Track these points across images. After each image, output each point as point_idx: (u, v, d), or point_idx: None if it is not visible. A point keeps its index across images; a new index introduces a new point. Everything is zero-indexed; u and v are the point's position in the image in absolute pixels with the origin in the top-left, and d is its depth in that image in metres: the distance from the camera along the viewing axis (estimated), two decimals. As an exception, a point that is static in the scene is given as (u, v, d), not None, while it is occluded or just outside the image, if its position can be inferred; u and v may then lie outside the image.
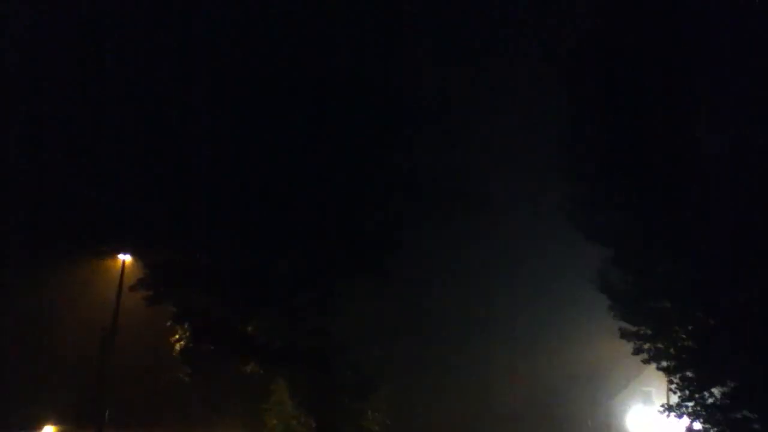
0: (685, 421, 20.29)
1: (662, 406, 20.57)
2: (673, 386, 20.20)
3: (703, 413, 19.72)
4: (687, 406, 19.94)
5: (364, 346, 24.33)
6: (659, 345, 20.64)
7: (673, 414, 20.29)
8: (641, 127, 19.61)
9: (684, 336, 20.54)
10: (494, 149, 28.56)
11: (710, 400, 19.69)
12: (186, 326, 25.10)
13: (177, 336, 25.28)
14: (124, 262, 25.71)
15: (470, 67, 27.59)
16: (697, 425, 20.04)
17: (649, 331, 21.19)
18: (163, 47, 24.46)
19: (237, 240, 24.32)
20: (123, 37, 24.98)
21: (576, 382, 30.13)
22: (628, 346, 21.38)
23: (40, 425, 24.73)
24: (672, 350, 20.41)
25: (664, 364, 20.76)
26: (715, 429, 19.70)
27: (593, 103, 20.66)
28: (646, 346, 20.92)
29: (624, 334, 21.34)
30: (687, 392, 19.88)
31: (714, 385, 19.74)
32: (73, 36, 25.21)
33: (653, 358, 21.13)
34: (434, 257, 27.03)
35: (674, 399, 20.44)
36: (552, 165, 22.39)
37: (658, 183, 19.53)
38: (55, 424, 24.78)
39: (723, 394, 19.57)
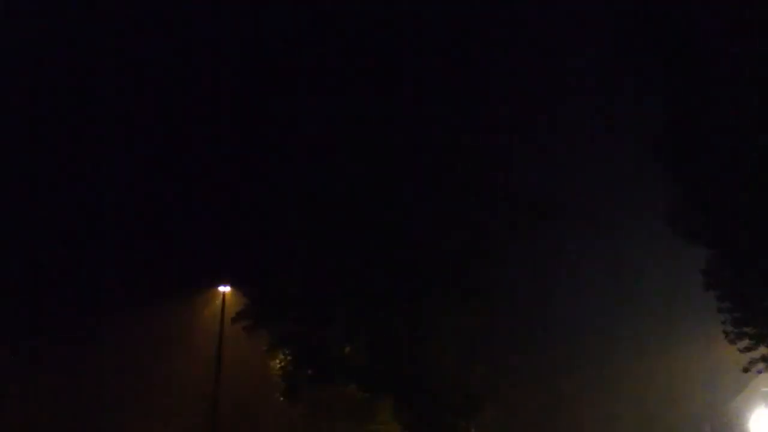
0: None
1: None
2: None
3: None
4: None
5: (467, 363, 24.17)
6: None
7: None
8: (744, 124, 18.83)
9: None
10: (582, 155, 27.91)
11: None
12: (285, 351, 25.84)
13: (277, 361, 25.99)
14: (224, 294, 26.63)
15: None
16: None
17: (761, 331, 20.29)
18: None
19: (327, 267, 24.83)
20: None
21: (689, 386, 28.88)
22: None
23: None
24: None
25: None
26: None
27: (690, 103, 20.00)
28: (760, 349, 19.96)
29: (737, 336, 20.55)
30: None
31: None
32: None
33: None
34: (536, 269, 26.54)
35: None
36: (647, 169, 21.84)
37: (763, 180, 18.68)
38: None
39: None
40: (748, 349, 20.49)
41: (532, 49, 27.17)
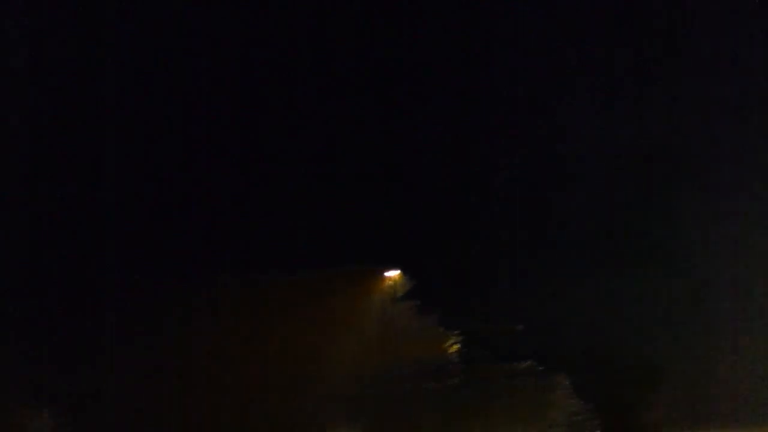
0: None
1: None
2: None
3: None
4: None
5: (647, 334, 24.02)
6: None
7: None
8: None
9: None
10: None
11: None
12: (457, 332, 26.29)
13: (450, 341, 26.40)
14: (391, 277, 26.98)
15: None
16: None
17: None
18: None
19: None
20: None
21: None
22: None
23: None
24: None
25: None
26: None
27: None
28: None
29: None
30: None
31: None
32: None
33: None
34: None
35: None
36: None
37: None
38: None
39: None
40: None
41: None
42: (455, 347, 26.07)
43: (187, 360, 25.24)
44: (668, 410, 24.84)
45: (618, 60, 26.05)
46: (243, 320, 25.89)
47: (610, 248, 25.98)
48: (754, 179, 25.17)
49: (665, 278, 25.19)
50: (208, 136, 26.21)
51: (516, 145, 27.09)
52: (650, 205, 25.85)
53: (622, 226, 25.95)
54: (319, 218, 26.56)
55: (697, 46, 25.84)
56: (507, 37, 26.28)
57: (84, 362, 24.78)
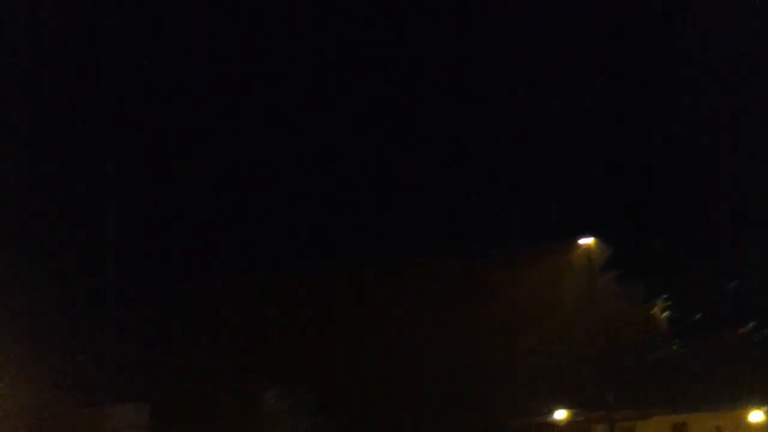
0: None
1: None
2: None
3: None
4: None
5: None
6: None
7: None
8: None
9: None
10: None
11: None
12: (665, 298, 24.75)
13: (658, 309, 24.83)
14: (587, 246, 25.84)
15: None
16: None
17: None
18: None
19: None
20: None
21: None
22: None
23: (552, 410, 25.48)
24: None
25: None
26: None
27: None
28: None
29: None
30: None
31: None
32: None
33: None
34: None
35: None
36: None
37: None
38: (566, 408, 25.33)
39: None
40: None
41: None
42: (664, 313, 24.50)
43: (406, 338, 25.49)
44: None
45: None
46: (455, 300, 25.90)
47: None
48: None
49: None
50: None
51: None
52: None
53: None
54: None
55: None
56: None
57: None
